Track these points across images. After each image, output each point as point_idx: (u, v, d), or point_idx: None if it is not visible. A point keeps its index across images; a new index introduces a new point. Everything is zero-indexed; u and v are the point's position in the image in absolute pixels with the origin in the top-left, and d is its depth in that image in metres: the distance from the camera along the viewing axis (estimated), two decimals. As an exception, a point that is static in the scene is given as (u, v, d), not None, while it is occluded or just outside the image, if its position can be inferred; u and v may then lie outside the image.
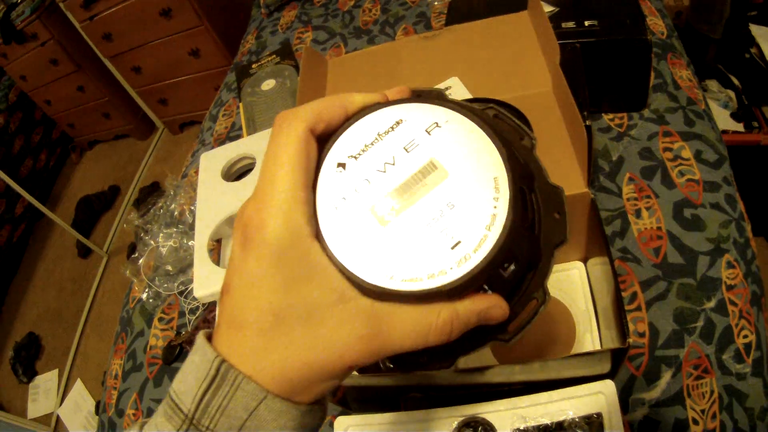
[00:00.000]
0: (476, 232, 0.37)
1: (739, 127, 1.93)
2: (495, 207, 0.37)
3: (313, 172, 0.39)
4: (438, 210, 0.38)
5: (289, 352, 0.36)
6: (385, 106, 0.42)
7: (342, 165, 0.40)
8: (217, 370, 0.36)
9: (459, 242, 0.37)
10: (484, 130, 0.40)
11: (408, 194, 0.38)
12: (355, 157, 0.40)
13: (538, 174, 0.45)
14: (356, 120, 0.42)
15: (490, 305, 0.40)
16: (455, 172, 0.39)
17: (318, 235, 0.38)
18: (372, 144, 0.40)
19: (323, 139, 0.41)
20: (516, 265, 0.40)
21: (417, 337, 0.37)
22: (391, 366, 0.45)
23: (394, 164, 0.40)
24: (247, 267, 0.37)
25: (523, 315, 0.43)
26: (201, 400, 0.36)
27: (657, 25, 1.31)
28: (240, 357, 0.36)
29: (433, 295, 0.37)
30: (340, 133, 0.41)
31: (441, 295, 0.37)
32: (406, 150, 0.40)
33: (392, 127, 0.41)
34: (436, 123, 0.41)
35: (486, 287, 0.40)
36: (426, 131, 0.40)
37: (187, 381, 0.37)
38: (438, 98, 0.42)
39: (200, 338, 0.38)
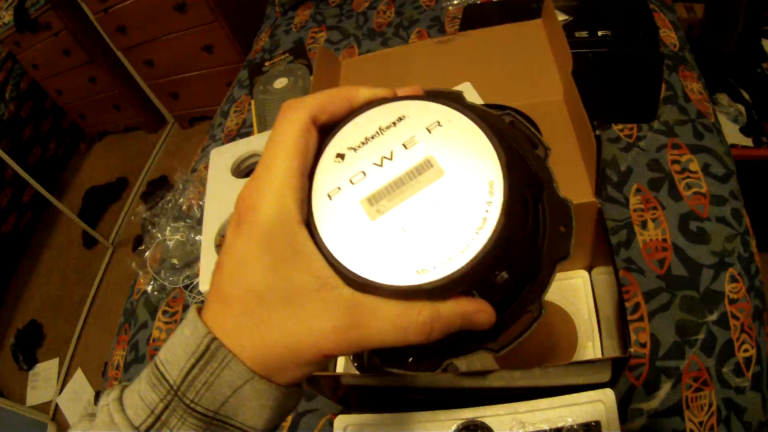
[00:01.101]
0: (464, 234, 0.36)
1: (748, 141, 1.93)
2: (487, 211, 0.37)
3: (311, 160, 0.40)
4: (429, 208, 0.38)
5: (267, 333, 0.37)
6: (389, 102, 0.42)
7: (341, 156, 0.40)
8: (207, 347, 0.37)
9: (446, 242, 0.37)
10: (486, 134, 0.39)
11: (401, 190, 0.38)
12: (355, 149, 0.40)
13: (547, 185, 0.45)
14: (360, 113, 0.42)
15: (474, 310, 0.39)
16: (451, 172, 0.38)
17: (309, 222, 0.38)
18: (372, 138, 0.41)
19: (326, 130, 0.41)
20: (509, 274, 0.40)
21: (396, 333, 0.37)
22: (378, 362, 0.45)
23: (391, 159, 0.40)
24: (236, 246, 0.37)
25: (517, 327, 0.43)
26: (188, 373, 0.36)
27: (670, 37, 1.31)
28: (225, 332, 0.37)
29: (414, 292, 0.36)
30: (343, 125, 0.41)
31: (422, 294, 0.37)
32: (405, 146, 0.40)
33: (394, 123, 0.41)
34: (438, 122, 0.40)
35: (475, 293, 0.40)
36: (427, 129, 0.40)
37: (176, 352, 0.37)
38: (451, 99, 0.42)
39: (192, 312, 0.39)
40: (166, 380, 0.37)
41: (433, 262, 0.36)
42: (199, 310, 0.39)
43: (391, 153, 0.40)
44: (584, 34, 1.09)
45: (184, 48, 3.11)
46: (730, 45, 2.07)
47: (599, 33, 1.08)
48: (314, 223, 0.38)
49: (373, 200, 0.38)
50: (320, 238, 0.38)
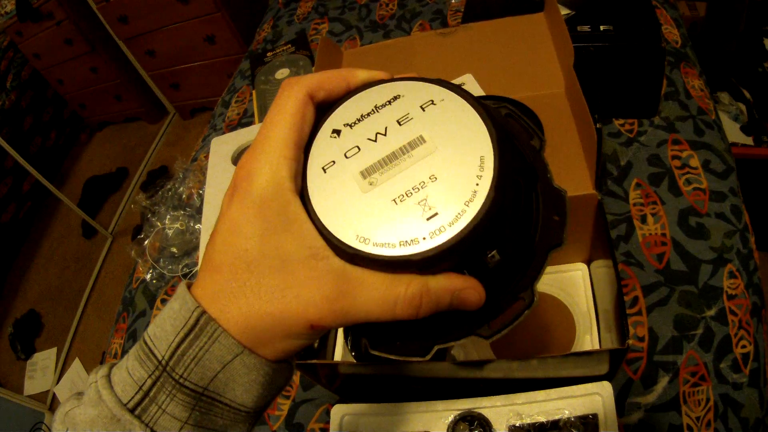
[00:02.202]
0: (454, 206, 0.37)
1: (749, 140, 1.93)
2: (477, 184, 0.37)
3: (307, 134, 0.40)
4: (420, 181, 0.38)
5: (255, 300, 0.37)
6: (386, 82, 0.43)
7: (337, 132, 0.41)
8: (197, 321, 0.36)
9: (436, 214, 0.37)
10: (478, 112, 0.40)
11: (393, 164, 0.39)
12: (350, 126, 0.41)
13: (542, 174, 0.45)
14: (357, 92, 0.43)
15: (464, 286, 0.39)
16: (442, 147, 0.39)
17: (302, 194, 0.39)
18: (368, 115, 0.41)
19: (324, 108, 0.42)
20: (500, 255, 0.40)
21: (384, 305, 0.37)
22: (366, 342, 0.45)
23: (385, 135, 0.40)
24: (230, 214, 0.38)
25: (509, 314, 0.43)
26: (177, 348, 0.36)
27: (672, 34, 1.31)
28: (211, 299, 0.37)
29: (403, 263, 0.37)
30: (340, 103, 0.42)
31: (411, 265, 0.37)
32: (399, 123, 0.41)
33: (389, 101, 0.42)
34: (432, 101, 0.41)
35: (465, 272, 0.40)
36: (421, 107, 0.41)
37: (165, 327, 0.37)
38: (430, 79, 0.43)
39: (182, 287, 0.39)
40: (155, 355, 0.36)
41: (423, 233, 0.37)
42: (189, 286, 0.39)
43: (386, 129, 0.41)
44: (586, 28, 1.09)
45: (185, 38, 3.11)
46: (732, 43, 2.07)
47: (601, 27, 1.08)
48: (307, 195, 0.39)
49: (366, 173, 0.39)
50: (312, 209, 0.38)
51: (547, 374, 0.70)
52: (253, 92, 1.47)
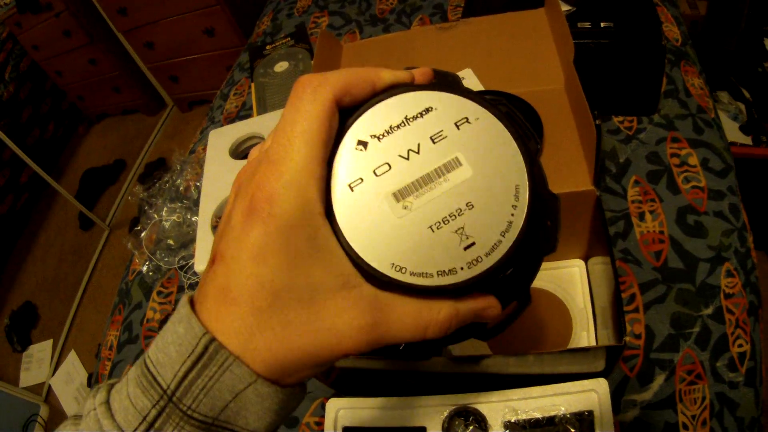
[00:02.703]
0: (491, 236, 0.37)
1: (748, 140, 1.93)
2: (512, 215, 0.37)
3: (330, 146, 0.37)
4: (456, 208, 0.37)
5: (284, 335, 0.34)
6: (415, 90, 0.40)
7: (363, 144, 0.38)
8: (205, 348, 0.34)
9: (473, 243, 0.37)
10: (512, 135, 0.39)
11: (428, 187, 0.37)
12: (378, 138, 0.38)
13: (539, 180, 0.43)
14: (384, 98, 0.39)
15: (487, 305, 0.40)
16: (479, 172, 0.38)
17: (329, 215, 0.36)
18: (398, 127, 0.39)
19: (346, 113, 0.39)
20: (514, 272, 0.40)
21: (416, 331, 0.37)
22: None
23: (418, 153, 0.38)
24: (249, 238, 0.34)
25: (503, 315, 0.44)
26: (184, 378, 0.33)
27: (672, 32, 1.30)
28: (228, 334, 0.34)
29: (440, 291, 0.37)
30: (365, 110, 0.39)
31: (447, 293, 0.37)
32: (433, 140, 0.38)
33: (421, 114, 0.39)
34: (467, 119, 0.39)
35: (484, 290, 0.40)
36: (455, 125, 0.39)
37: (169, 352, 0.34)
38: (459, 88, 0.41)
39: (185, 307, 0.36)
40: (159, 384, 0.34)
41: (460, 263, 0.37)
42: (192, 304, 0.36)
43: (418, 146, 0.38)
44: (587, 24, 1.08)
45: (185, 31, 3.10)
46: (732, 43, 2.07)
47: (602, 24, 1.08)
48: (334, 216, 0.37)
49: (400, 196, 0.37)
50: (341, 233, 0.36)
51: (543, 370, 0.70)
52: (252, 85, 1.47)
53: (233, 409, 0.34)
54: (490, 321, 0.41)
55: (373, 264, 0.36)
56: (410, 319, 0.37)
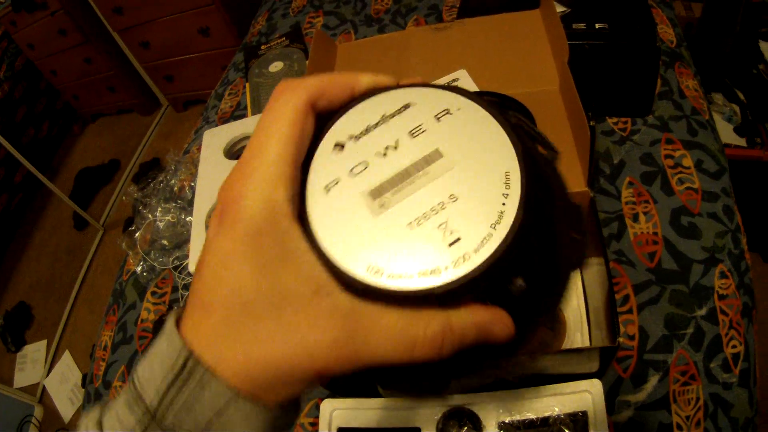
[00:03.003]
0: (479, 230, 0.32)
1: (742, 142, 1.94)
2: (503, 204, 0.33)
3: (305, 149, 0.36)
4: (438, 202, 0.34)
5: (253, 347, 0.32)
6: (395, 89, 0.39)
7: (340, 145, 0.36)
8: (185, 363, 0.32)
9: (458, 239, 0.32)
10: (499, 122, 0.36)
11: (407, 182, 0.35)
12: (356, 138, 0.37)
13: (559, 189, 0.41)
14: (362, 100, 0.38)
15: (491, 320, 0.35)
16: (462, 162, 0.35)
17: (302, 218, 0.34)
18: (376, 126, 0.37)
19: (324, 117, 0.37)
20: (526, 282, 0.35)
21: (401, 349, 0.32)
22: (375, 382, 0.41)
23: (396, 148, 0.36)
24: (219, 244, 0.33)
25: (534, 342, 0.39)
26: (165, 394, 0.32)
27: (667, 33, 1.31)
28: (202, 344, 0.32)
29: (423, 297, 0.32)
30: (343, 112, 0.38)
31: (432, 299, 0.32)
32: (412, 135, 0.36)
33: (399, 110, 0.37)
34: (447, 110, 0.37)
35: (488, 301, 0.35)
36: (435, 117, 0.37)
37: (152, 368, 0.33)
38: (443, 86, 0.38)
39: (169, 322, 0.34)
40: (143, 400, 0.32)
41: (445, 261, 0.32)
42: (179, 320, 0.34)
43: (396, 142, 0.36)
44: (581, 26, 1.08)
45: (180, 30, 3.10)
46: (727, 45, 2.07)
47: (597, 25, 1.08)
48: (308, 220, 0.34)
49: (376, 194, 0.35)
50: (315, 236, 0.33)
51: (537, 371, 0.70)
52: (247, 85, 1.47)
53: (217, 427, 0.32)
54: (500, 341, 0.35)
55: (347, 267, 0.33)
56: (392, 333, 0.32)
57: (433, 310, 0.33)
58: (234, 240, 0.32)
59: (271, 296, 0.32)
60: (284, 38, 1.57)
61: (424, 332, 0.32)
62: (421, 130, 0.37)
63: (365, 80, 0.39)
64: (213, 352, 0.32)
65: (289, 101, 0.35)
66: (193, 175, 1.26)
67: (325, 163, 0.36)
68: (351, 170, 0.36)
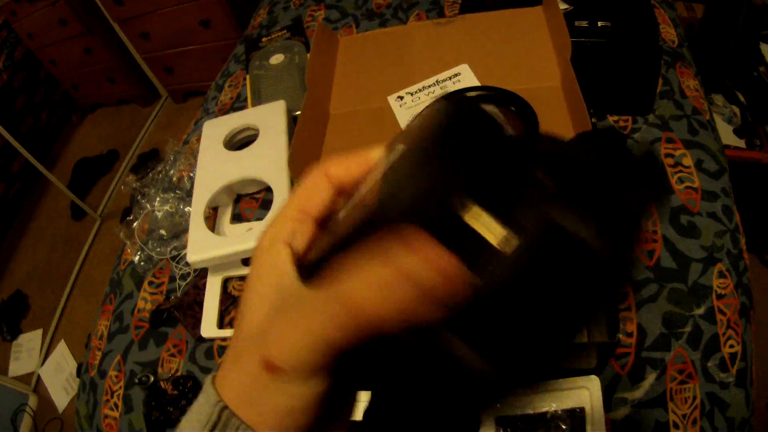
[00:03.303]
0: None
1: (741, 143, 1.94)
2: None
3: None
4: None
5: (271, 398, 0.32)
6: None
7: None
8: (219, 416, 0.33)
9: None
10: None
11: None
12: None
13: None
14: None
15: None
16: None
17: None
18: None
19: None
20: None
21: (381, 292, 0.28)
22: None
23: None
24: (252, 288, 0.36)
25: None
26: None
27: (669, 33, 1.30)
28: (234, 399, 0.33)
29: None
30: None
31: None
32: None
33: None
34: None
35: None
36: None
37: (191, 422, 0.34)
38: None
39: (208, 379, 0.35)
40: None
41: None
42: (215, 378, 0.35)
43: None
44: (584, 23, 1.08)
45: (181, 22, 3.09)
46: (728, 46, 2.08)
47: (599, 24, 1.07)
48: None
49: None
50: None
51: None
52: (247, 77, 1.46)
53: None
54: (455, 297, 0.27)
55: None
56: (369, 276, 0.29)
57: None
58: (257, 294, 0.35)
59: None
60: (285, 31, 1.57)
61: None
62: None
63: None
64: (244, 405, 0.33)
65: (273, 255, 0.36)
66: (192, 166, 1.26)
67: None
68: None
